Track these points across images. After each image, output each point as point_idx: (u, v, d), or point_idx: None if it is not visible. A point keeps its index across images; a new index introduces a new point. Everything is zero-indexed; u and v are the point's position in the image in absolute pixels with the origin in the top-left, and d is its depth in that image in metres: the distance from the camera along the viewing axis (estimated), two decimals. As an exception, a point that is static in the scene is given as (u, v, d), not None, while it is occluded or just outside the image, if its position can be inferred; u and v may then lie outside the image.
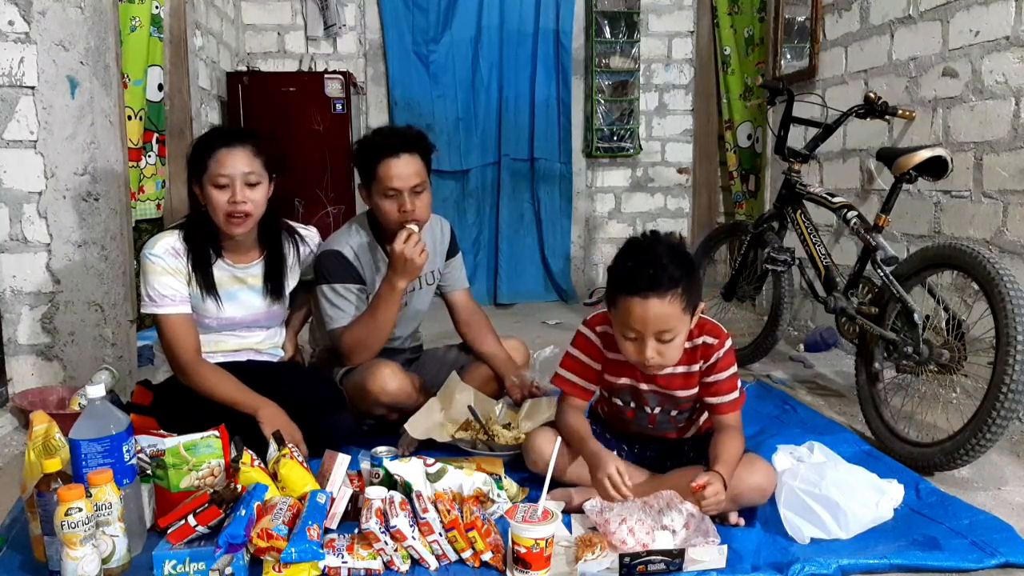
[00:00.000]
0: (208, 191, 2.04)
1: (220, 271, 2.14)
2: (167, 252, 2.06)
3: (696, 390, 1.81)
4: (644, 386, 1.82)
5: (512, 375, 2.39)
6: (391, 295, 2.16)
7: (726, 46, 4.75)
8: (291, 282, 2.29)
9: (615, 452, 1.83)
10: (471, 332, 2.48)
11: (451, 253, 2.48)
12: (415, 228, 2.14)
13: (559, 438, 1.74)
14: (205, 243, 2.10)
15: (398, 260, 2.11)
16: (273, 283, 2.21)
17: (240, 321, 2.21)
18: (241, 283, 2.18)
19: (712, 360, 1.77)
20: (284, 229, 2.27)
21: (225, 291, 2.15)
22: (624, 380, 1.84)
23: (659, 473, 1.86)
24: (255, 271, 2.20)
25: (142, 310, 2.13)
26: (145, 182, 3.18)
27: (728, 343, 1.79)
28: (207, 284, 2.10)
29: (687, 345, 1.76)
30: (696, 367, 1.79)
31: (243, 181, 2.04)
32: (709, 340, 1.77)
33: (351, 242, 2.28)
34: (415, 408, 2.18)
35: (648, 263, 1.62)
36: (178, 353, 2.06)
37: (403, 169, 2.16)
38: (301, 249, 2.30)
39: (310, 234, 2.35)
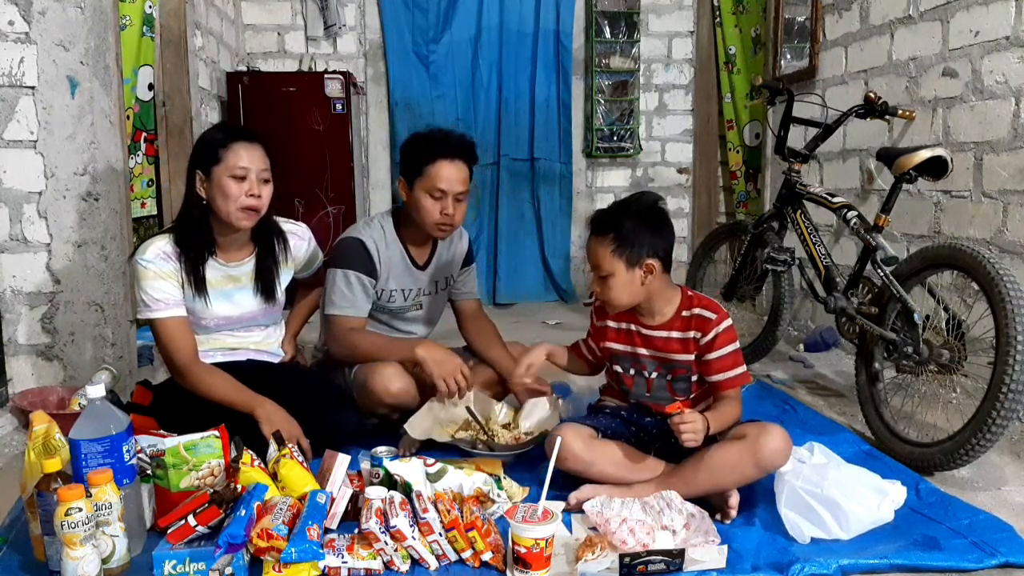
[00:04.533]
0: (223, 181, 2.04)
1: (213, 271, 2.14)
2: (158, 256, 2.05)
3: (692, 356, 1.89)
4: (642, 351, 1.95)
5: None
6: (406, 351, 2.22)
7: (731, 45, 4.74)
8: (283, 278, 2.29)
9: (620, 432, 1.93)
10: (478, 339, 2.50)
11: (466, 262, 2.53)
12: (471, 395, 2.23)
13: (559, 438, 1.77)
14: (200, 242, 2.10)
15: (435, 367, 2.16)
16: (264, 280, 2.21)
17: (237, 320, 2.21)
18: (235, 282, 2.18)
19: (711, 335, 1.85)
20: (272, 227, 2.26)
21: (219, 291, 2.15)
22: (623, 347, 1.98)
23: (664, 458, 1.89)
24: (247, 269, 2.20)
25: (137, 315, 2.13)
26: (133, 181, 3.18)
27: (727, 321, 1.87)
28: (200, 285, 2.10)
29: (685, 313, 1.88)
30: (691, 334, 1.88)
31: (259, 177, 2.07)
32: (705, 313, 1.87)
33: (374, 235, 2.31)
34: (417, 409, 2.19)
35: (605, 210, 1.88)
36: (174, 356, 2.06)
37: (454, 174, 2.22)
38: (290, 245, 2.29)
39: (300, 229, 2.35)
